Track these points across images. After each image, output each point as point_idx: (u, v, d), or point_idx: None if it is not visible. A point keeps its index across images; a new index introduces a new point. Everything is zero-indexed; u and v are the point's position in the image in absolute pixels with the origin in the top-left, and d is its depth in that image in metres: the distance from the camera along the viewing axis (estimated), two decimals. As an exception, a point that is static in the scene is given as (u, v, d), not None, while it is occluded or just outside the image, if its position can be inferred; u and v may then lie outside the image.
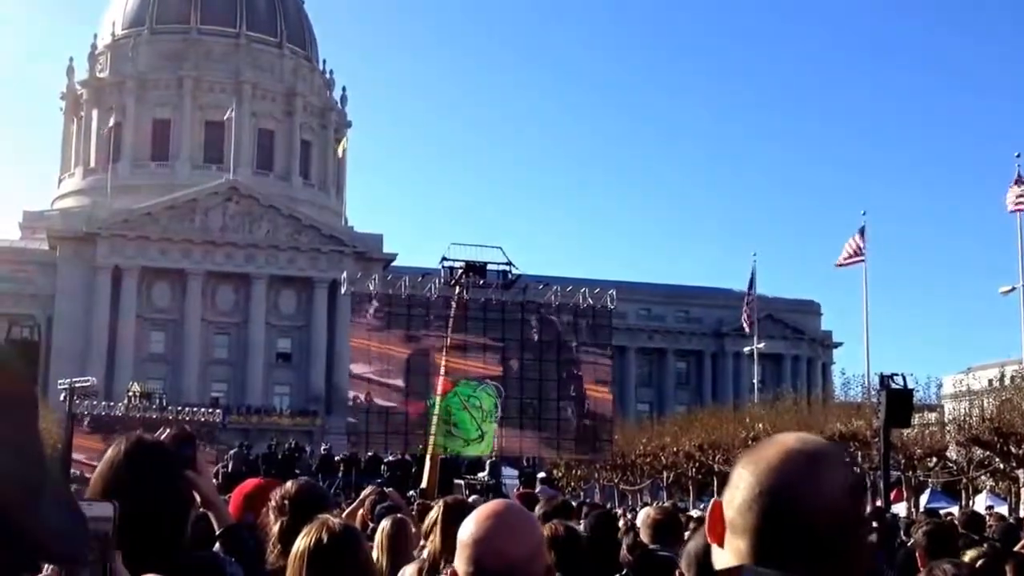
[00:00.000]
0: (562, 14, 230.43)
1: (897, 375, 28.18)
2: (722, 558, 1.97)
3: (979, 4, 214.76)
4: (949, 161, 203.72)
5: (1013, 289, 45.64)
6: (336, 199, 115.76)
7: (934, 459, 41.67)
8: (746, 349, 76.67)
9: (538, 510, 8.93)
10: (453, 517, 5.32)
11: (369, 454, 39.19)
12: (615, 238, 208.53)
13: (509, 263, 33.18)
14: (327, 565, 4.01)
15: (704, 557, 2.02)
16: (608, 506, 27.47)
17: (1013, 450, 35.50)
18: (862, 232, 51.93)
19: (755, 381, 70.52)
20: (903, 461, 39.73)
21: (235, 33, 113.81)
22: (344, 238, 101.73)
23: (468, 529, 2.85)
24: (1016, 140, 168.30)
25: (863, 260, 52.58)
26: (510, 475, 38.05)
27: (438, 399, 32.59)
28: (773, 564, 1.87)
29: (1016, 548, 9.27)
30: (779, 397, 54.39)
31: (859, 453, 40.98)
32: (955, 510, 28.70)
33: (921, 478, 41.95)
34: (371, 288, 36.39)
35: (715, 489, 43.00)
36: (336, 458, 42.32)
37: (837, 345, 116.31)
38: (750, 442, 34.56)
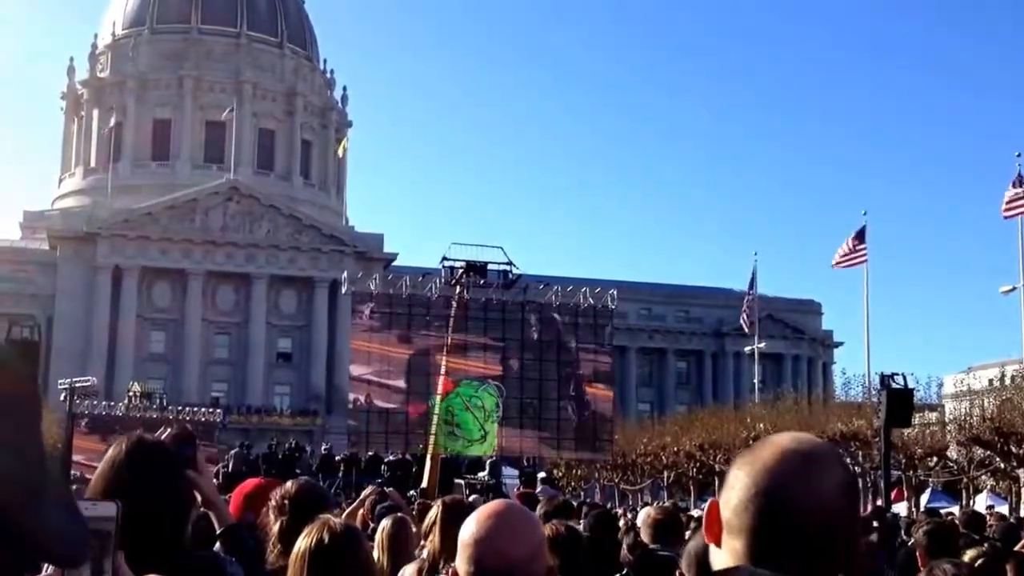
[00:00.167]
0: (562, 14, 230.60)
1: (898, 375, 28.21)
2: (719, 558, 1.98)
3: (979, 4, 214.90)
4: (949, 161, 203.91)
5: (1014, 289, 45.61)
6: (337, 199, 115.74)
7: (935, 459, 41.67)
8: (747, 349, 76.68)
9: (539, 510, 8.94)
10: (452, 517, 5.34)
11: (369, 454, 39.19)
12: (615, 238, 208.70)
13: (510, 263, 33.18)
14: (328, 565, 4.01)
15: (705, 557, 2.03)
16: (608, 506, 27.48)
17: (1014, 450, 35.49)
18: (859, 234, 51.81)
19: (756, 381, 70.56)
20: (904, 461, 39.74)
21: (236, 33, 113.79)
22: (345, 238, 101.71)
23: (469, 529, 2.85)
24: (1016, 140, 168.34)
25: (864, 260, 52.49)
26: (510, 475, 38.04)
27: (438, 399, 32.59)
28: (770, 564, 1.88)
29: (1016, 548, 9.27)
30: (780, 397, 54.39)
31: (860, 453, 41.02)
32: (956, 510, 28.74)
33: (922, 478, 41.96)
34: (372, 288, 36.38)
35: (716, 489, 42.99)
36: (336, 458, 42.34)
37: (838, 345, 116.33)
38: (751, 442, 34.48)
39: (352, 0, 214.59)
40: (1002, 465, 37.05)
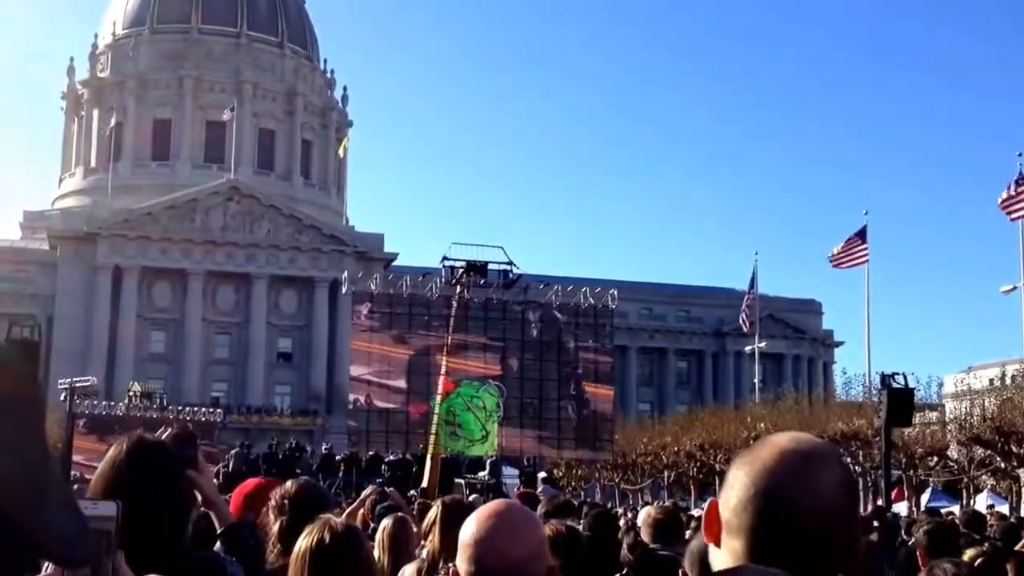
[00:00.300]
0: (562, 14, 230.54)
1: (898, 374, 28.24)
2: (719, 558, 1.98)
3: (979, 4, 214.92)
4: (949, 161, 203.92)
5: (1014, 288, 45.58)
6: (337, 199, 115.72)
7: (935, 458, 41.69)
8: (747, 348, 76.66)
9: (540, 509, 8.95)
10: (452, 517, 5.34)
11: (370, 454, 39.20)
12: (616, 238, 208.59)
13: (510, 262, 33.16)
14: (329, 565, 4.02)
15: (707, 556, 2.04)
16: (609, 505, 27.50)
17: (1014, 449, 35.49)
18: (861, 234, 51.75)
19: (756, 380, 70.52)
20: (904, 460, 39.76)
21: (236, 33, 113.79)
22: (345, 238, 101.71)
23: (470, 528, 2.85)
24: (1016, 140, 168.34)
25: (865, 260, 52.41)
26: (510, 475, 38.05)
27: (439, 399, 32.57)
28: (769, 564, 1.89)
29: (1017, 547, 9.27)
30: (780, 396, 54.42)
31: (860, 452, 41.03)
32: (956, 509, 28.73)
33: (922, 477, 41.97)
34: (372, 288, 36.37)
35: (716, 489, 42.99)
36: (337, 458, 42.39)
37: (838, 344, 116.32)
38: (751, 442, 34.51)
39: (352, 0, 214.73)
40: (1002, 465, 37.05)
